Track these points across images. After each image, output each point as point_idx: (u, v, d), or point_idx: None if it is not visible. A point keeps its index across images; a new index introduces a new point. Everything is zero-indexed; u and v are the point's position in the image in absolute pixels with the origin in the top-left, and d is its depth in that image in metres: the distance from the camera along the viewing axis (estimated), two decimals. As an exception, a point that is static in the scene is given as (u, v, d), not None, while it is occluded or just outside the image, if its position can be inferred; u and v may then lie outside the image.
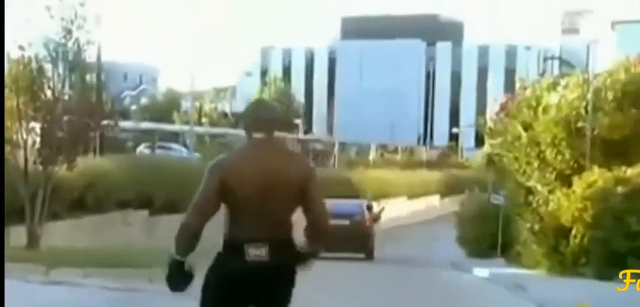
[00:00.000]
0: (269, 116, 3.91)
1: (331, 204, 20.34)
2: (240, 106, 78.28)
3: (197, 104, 73.90)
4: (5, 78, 12.61)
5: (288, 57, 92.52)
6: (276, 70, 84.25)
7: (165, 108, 73.23)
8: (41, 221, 12.84)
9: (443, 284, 14.79)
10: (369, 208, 23.26)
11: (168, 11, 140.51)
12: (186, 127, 50.45)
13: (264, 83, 76.54)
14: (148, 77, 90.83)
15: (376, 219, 23.17)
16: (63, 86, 12.86)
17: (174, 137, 49.39)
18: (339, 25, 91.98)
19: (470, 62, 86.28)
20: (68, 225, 18.65)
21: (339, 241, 18.70)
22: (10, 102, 12.53)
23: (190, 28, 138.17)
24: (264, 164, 3.73)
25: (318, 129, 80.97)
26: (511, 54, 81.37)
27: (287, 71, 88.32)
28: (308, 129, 76.73)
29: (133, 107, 76.23)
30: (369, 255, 20.90)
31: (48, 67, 12.75)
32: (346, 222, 20.40)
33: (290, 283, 3.84)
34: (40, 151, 12.77)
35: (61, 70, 12.71)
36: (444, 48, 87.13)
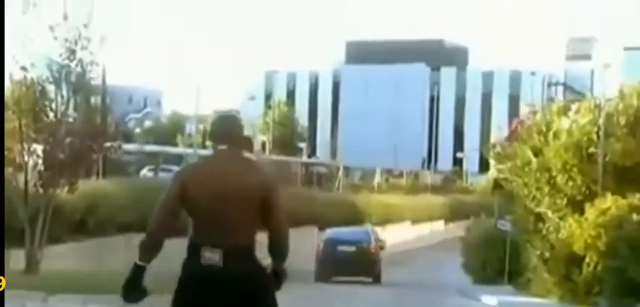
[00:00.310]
0: (233, 129, 4.03)
1: (339, 231, 20.84)
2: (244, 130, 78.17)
3: (201, 127, 73.76)
4: (7, 100, 12.39)
5: (293, 80, 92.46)
6: (280, 94, 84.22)
7: (170, 131, 73.11)
8: (41, 244, 12.54)
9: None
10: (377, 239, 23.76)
11: (172, 35, 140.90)
12: (189, 150, 50.20)
13: (268, 106, 76.34)
14: (152, 100, 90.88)
15: (382, 246, 23.71)
16: (66, 108, 12.62)
17: (178, 159, 49.13)
18: (344, 50, 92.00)
19: (474, 87, 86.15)
20: (69, 248, 18.33)
21: (347, 266, 20.79)
22: (11, 123, 12.29)
23: (195, 52, 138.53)
24: (223, 174, 3.88)
25: (322, 152, 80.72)
26: (515, 79, 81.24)
27: (291, 95, 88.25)
28: (312, 152, 76.56)
29: (137, 130, 76.16)
30: (376, 279, 21.62)
31: (51, 88, 12.50)
32: (353, 249, 21.50)
33: (253, 296, 3.86)
34: (41, 173, 12.49)
35: (64, 92, 12.46)
36: (448, 73, 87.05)
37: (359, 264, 21.19)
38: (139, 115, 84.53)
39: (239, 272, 3.83)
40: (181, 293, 3.91)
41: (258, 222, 3.94)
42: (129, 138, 59.30)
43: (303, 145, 64.82)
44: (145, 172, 40.23)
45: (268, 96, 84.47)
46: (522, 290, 17.20)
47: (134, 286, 3.91)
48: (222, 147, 3.97)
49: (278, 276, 4.08)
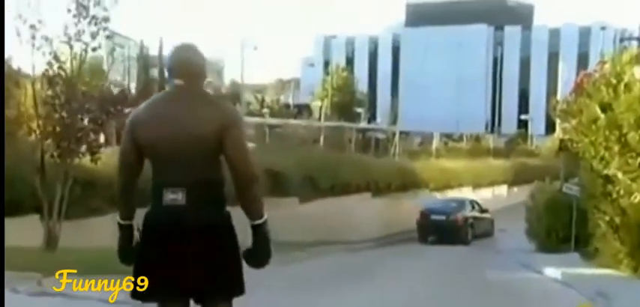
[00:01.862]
0: (190, 62, 3.63)
1: (433, 202, 24.72)
2: (303, 98, 77.65)
3: (259, 96, 73.37)
4: (19, 67, 11.57)
5: (352, 46, 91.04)
6: (339, 59, 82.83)
7: (229, 100, 73.03)
8: (60, 219, 11.70)
9: (509, 285, 13.09)
10: (474, 205, 28.36)
11: (233, 4, 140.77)
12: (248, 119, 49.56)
13: (326, 73, 75.23)
14: (212, 71, 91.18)
15: (484, 210, 28.79)
16: (79, 69, 11.67)
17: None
18: (404, 12, 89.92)
19: (540, 46, 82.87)
20: (108, 220, 17.65)
21: (438, 232, 25.77)
22: (24, 89, 11.46)
23: (253, 20, 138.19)
24: (177, 110, 3.54)
25: (383, 118, 79.21)
26: (585, 36, 77.60)
27: (350, 60, 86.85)
28: (371, 118, 75.15)
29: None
30: (464, 243, 25.49)
31: (64, 49, 11.55)
32: (443, 218, 26.15)
33: (219, 231, 3.53)
34: (58, 143, 11.62)
35: (77, 51, 11.50)
36: (512, 32, 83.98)
37: (448, 231, 25.60)
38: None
39: (204, 208, 3.51)
40: (144, 241, 3.61)
41: (220, 155, 3.57)
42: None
43: (360, 111, 63.52)
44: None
45: (327, 63, 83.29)
46: (591, 260, 15.64)
47: (123, 246, 3.73)
48: (179, 81, 3.59)
49: (256, 237, 3.59)
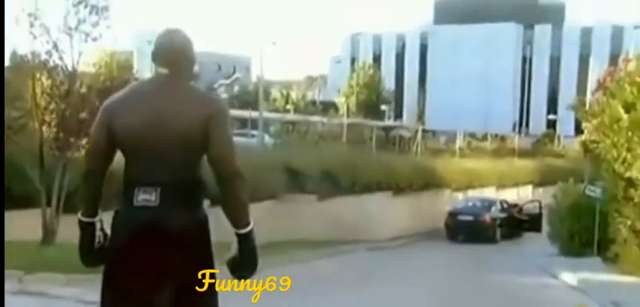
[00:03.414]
0: (176, 50, 3.28)
1: (461, 203, 24.20)
2: (331, 95, 77.30)
3: (285, 92, 73.21)
4: (19, 56, 11.32)
5: (379, 43, 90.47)
6: (366, 57, 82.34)
7: (256, 97, 73.10)
8: (58, 213, 11.44)
9: (519, 289, 12.58)
10: (504, 206, 28.73)
11: (263, 2, 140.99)
12: (255, 114, 49.38)
13: (353, 70, 74.83)
14: (241, 67, 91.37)
15: (521, 210, 29.25)
16: (78, 61, 11.39)
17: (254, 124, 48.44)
18: (432, 9, 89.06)
19: (571, 45, 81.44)
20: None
21: (466, 232, 26.58)
22: (24, 79, 11.23)
23: (283, 18, 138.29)
24: (157, 103, 3.19)
25: (409, 116, 78.58)
26: (617, 35, 75.96)
27: (377, 58, 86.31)
28: (397, 116, 74.58)
29: (224, 96, 76.68)
30: (490, 241, 26.33)
31: (64, 39, 11.27)
32: (471, 218, 27.07)
33: (194, 240, 3.18)
34: (57, 135, 11.37)
35: (76, 42, 11.22)
36: (542, 31, 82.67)
37: (475, 231, 26.51)
38: (228, 82, 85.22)
39: (178, 212, 3.16)
40: (112, 244, 3.25)
41: (202, 153, 3.20)
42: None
43: (385, 108, 62.95)
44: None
45: (353, 60, 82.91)
46: (613, 265, 15.04)
47: (85, 246, 3.34)
48: (163, 70, 3.25)
49: (241, 248, 3.20)
